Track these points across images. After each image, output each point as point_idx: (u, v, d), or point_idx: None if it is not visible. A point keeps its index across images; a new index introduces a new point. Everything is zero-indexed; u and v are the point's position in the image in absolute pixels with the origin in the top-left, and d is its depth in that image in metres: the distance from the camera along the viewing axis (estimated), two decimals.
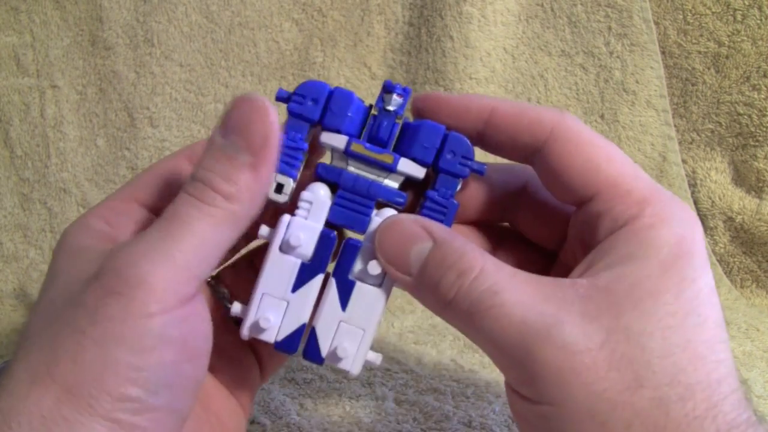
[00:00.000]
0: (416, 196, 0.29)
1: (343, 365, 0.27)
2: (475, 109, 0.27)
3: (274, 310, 0.27)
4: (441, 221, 0.27)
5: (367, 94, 0.67)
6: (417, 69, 0.67)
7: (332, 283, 0.27)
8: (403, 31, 0.67)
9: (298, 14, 0.66)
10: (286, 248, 0.27)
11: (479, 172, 0.28)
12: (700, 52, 0.65)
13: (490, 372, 0.44)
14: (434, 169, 0.28)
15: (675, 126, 0.66)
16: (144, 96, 0.65)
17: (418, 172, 0.28)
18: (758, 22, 0.63)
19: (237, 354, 0.30)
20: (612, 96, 0.66)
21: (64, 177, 0.65)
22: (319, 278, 0.27)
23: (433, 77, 0.66)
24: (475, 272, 0.24)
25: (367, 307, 0.27)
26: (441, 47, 0.65)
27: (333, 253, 0.28)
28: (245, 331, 0.27)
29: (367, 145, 0.27)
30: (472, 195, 0.30)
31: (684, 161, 0.67)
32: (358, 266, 0.27)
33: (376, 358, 0.28)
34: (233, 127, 0.24)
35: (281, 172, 0.27)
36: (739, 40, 0.64)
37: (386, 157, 0.27)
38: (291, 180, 0.27)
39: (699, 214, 0.65)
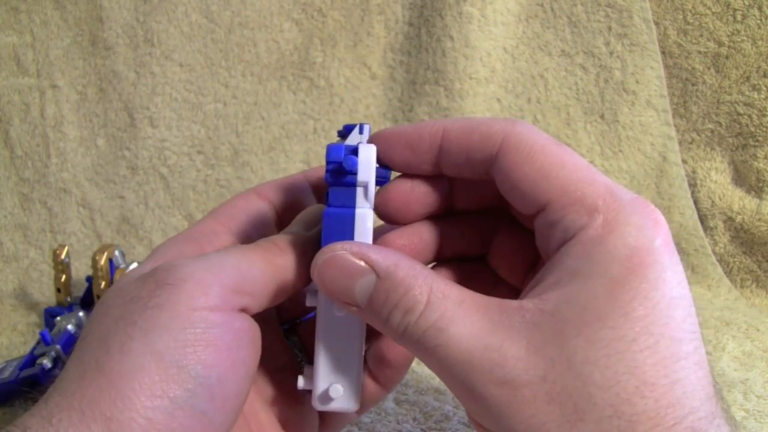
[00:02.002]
0: None
1: (337, 405, 0.26)
2: (427, 135, 0.26)
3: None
4: (345, 231, 0.25)
5: (368, 94, 0.67)
6: (417, 69, 0.67)
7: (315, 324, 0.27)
8: (403, 31, 0.67)
9: (298, 14, 0.66)
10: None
11: (350, 172, 0.25)
12: (700, 52, 0.65)
13: None
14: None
15: (675, 126, 0.66)
16: (144, 96, 0.65)
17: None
18: (758, 22, 0.63)
19: (301, 398, 0.30)
20: (612, 96, 0.66)
21: (64, 177, 0.65)
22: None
23: (433, 77, 0.66)
24: (421, 308, 0.23)
25: (349, 337, 0.26)
26: (441, 47, 0.65)
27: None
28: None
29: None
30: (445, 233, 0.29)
31: (684, 161, 0.67)
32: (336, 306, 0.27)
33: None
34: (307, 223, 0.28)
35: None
36: (739, 40, 0.64)
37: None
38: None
39: (699, 214, 0.65)
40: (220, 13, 0.66)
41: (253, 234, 0.29)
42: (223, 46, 0.66)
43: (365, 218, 0.25)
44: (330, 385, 0.26)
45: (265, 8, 0.66)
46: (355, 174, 0.25)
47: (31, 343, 0.49)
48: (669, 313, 0.22)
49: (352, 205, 0.25)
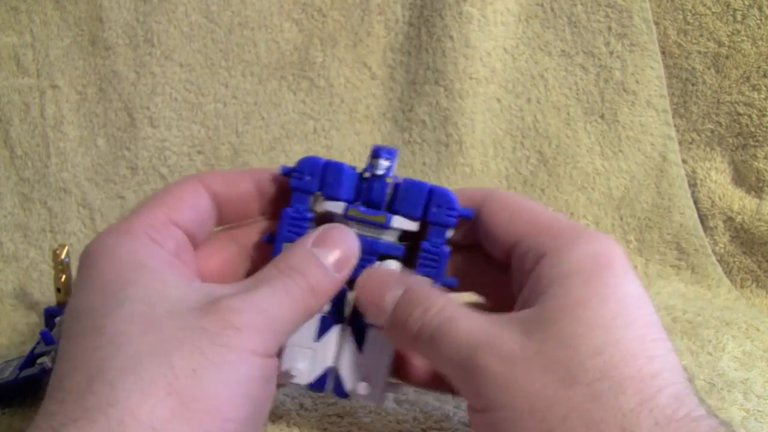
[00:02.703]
0: (416, 245, 0.32)
1: (366, 400, 0.32)
2: None
3: (302, 358, 0.31)
4: (434, 267, 0.31)
5: (368, 94, 0.67)
6: (417, 69, 0.67)
7: (349, 331, 0.32)
8: (403, 31, 0.67)
9: (298, 14, 0.66)
10: None
11: (466, 217, 0.31)
12: (700, 52, 0.65)
13: None
14: (424, 221, 0.31)
15: (675, 126, 0.66)
16: (144, 96, 0.65)
17: (411, 226, 0.31)
18: (758, 22, 0.63)
19: None
20: (612, 96, 0.66)
21: (64, 177, 0.65)
22: (337, 327, 0.32)
23: (433, 77, 0.66)
24: (437, 308, 0.28)
25: (380, 348, 0.31)
26: (441, 47, 0.65)
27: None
28: (284, 380, 0.31)
29: (362, 208, 0.31)
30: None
31: (684, 161, 0.67)
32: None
33: (393, 390, 0.32)
34: (327, 245, 0.30)
35: (288, 240, 0.31)
36: (739, 40, 0.64)
37: (379, 218, 0.31)
38: None
39: (699, 214, 0.65)
40: (220, 13, 0.66)
41: (194, 231, 0.31)
42: (223, 46, 0.66)
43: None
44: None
45: (265, 8, 0.66)
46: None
47: (31, 343, 0.49)
48: (638, 303, 0.26)
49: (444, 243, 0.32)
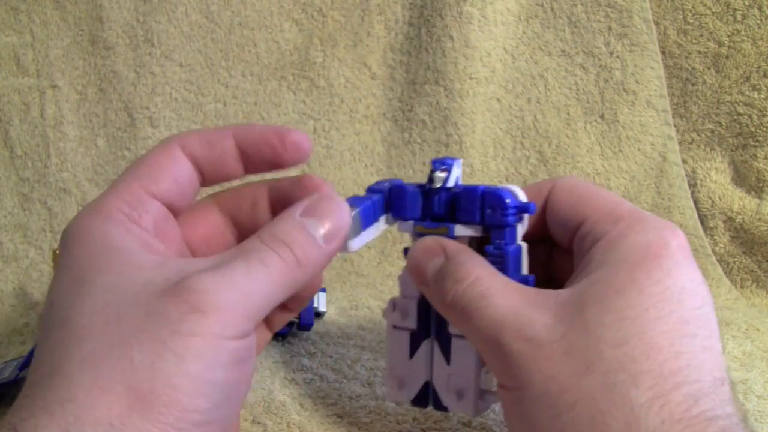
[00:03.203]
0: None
1: (459, 408, 0.32)
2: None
3: (402, 377, 0.33)
4: (504, 270, 0.30)
5: (368, 94, 0.67)
6: (417, 69, 0.67)
7: (435, 344, 0.32)
8: (403, 31, 0.67)
9: (298, 14, 0.66)
10: (397, 325, 0.33)
11: (527, 210, 0.30)
12: (700, 52, 0.65)
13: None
14: (485, 224, 0.31)
15: (675, 126, 0.66)
16: (144, 96, 0.65)
17: (475, 231, 0.31)
18: (758, 22, 0.63)
19: None
20: (612, 96, 0.66)
21: (64, 177, 0.65)
22: (426, 342, 0.33)
23: (433, 77, 0.66)
24: (470, 280, 0.28)
25: (466, 356, 0.31)
26: (441, 47, 0.65)
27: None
28: (391, 399, 0.34)
29: (426, 223, 0.32)
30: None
31: (684, 161, 0.67)
32: (451, 326, 0.32)
33: (489, 400, 0.32)
34: (317, 215, 0.28)
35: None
36: (739, 40, 0.64)
37: (442, 230, 0.31)
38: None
39: (699, 215, 0.65)
40: (220, 13, 0.66)
41: (175, 200, 0.30)
42: (223, 46, 0.66)
43: (525, 249, 0.31)
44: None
45: (265, 8, 0.66)
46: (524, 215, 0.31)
47: (31, 343, 0.49)
48: (680, 297, 0.25)
49: (514, 241, 0.31)
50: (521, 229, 0.31)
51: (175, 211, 0.30)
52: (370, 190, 0.33)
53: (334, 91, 0.67)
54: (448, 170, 0.31)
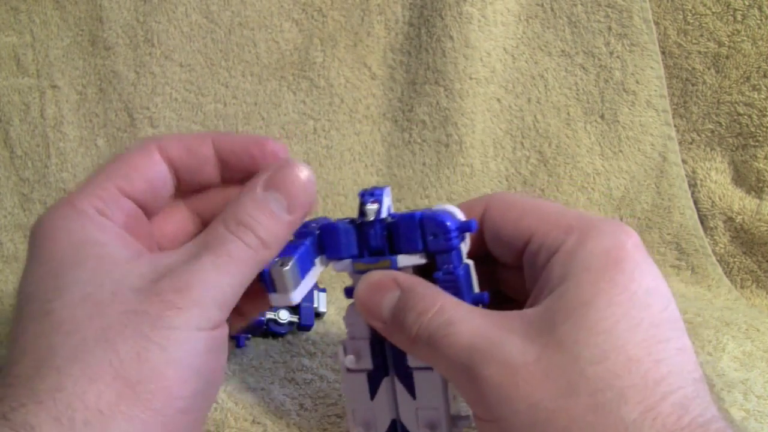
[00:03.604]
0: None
1: None
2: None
3: (367, 419, 0.32)
4: (457, 293, 0.29)
5: (368, 94, 0.67)
6: (417, 69, 0.67)
7: (396, 381, 0.31)
8: (403, 31, 0.67)
9: (298, 14, 0.66)
10: (350, 370, 0.32)
11: (469, 229, 0.29)
12: (700, 52, 0.65)
13: None
14: (428, 251, 0.30)
15: (675, 126, 0.66)
16: (144, 96, 0.65)
17: (418, 260, 0.30)
18: (758, 22, 0.63)
19: None
20: (612, 96, 0.66)
21: (64, 177, 0.65)
22: (386, 380, 0.32)
23: (433, 77, 0.66)
24: (434, 310, 0.27)
25: (431, 387, 0.31)
26: (441, 47, 0.65)
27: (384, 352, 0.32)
28: None
29: (365, 259, 0.30)
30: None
31: (684, 161, 0.67)
32: (410, 358, 0.31)
33: (462, 425, 0.31)
34: (278, 187, 0.28)
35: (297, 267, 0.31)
36: (739, 40, 0.64)
37: (384, 263, 0.30)
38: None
39: (699, 215, 0.65)
40: (220, 13, 0.66)
41: (147, 201, 0.30)
42: (223, 46, 0.66)
43: (473, 267, 0.30)
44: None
45: (265, 8, 0.66)
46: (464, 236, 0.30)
47: None
48: (647, 300, 0.25)
49: (461, 262, 0.30)
50: (465, 248, 0.30)
51: (147, 212, 0.30)
52: (298, 234, 0.30)
53: (334, 91, 0.67)
54: (379, 201, 0.30)
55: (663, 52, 0.66)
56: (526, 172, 0.67)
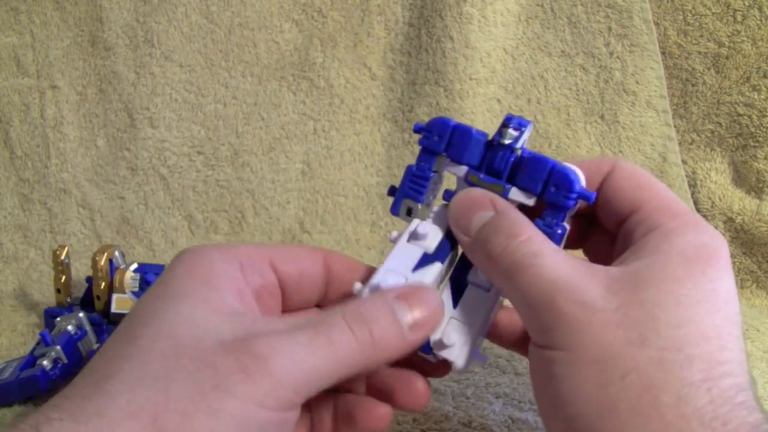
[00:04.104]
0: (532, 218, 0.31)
1: (447, 354, 0.29)
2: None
3: (395, 280, 0.30)
4: None
5: (368, 94, 0.67)
6: (417, 69, 0.67)
7: (447, 283, 0.31)
8: (403, 31, 0.67)
9: (298, 15, 0.66)
10: (413, 238, 0.31)
11: (587, 199, 0.30)
12: (700, 53, 0.65)
13: (490, 372, 0.44)
14: (541, 199, 0.30)
15: (675, 126, 0.66)
16: (144, 96, 0.65)
17: (528, 200, 0.30)
18: (758, 22, 0.63)
19: None
20: (612, 96, 0.66)
21: (64, 177, 0.65)
22: (437, 266, 0.31)
23: (433, 78, 0.66)
24: (522, 238, 0.28)
25: (476, 307, 0.30)
26: (441, 48, 0.65)
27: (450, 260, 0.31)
28: (359, 287, 0.30)
29: (482, 176, 0.31)
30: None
31: (684, 162, 0.67)
32: (472, 272, 0.31)
33: (482, 357, 0.30)
34: (410, 302, 0.28)
35: (409, 197, 0.32)
36: (739, 40, 0.64)
37: (497, 188, 0.31)
38: (418, 204, 0.32)
39: (699, 215, 0.65)
40: (220, 14, 0.66)
41: (291, 285, 0.30)
42: (223, 47, 0.66)
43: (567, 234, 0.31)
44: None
45: (265, 9, 0.66)
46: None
47: (31, 344, 0.49)
48: (726, 300, 0.26)
49: (563, 222, 0.30)
50: (571, 213, 0.31)
51: (287, 298, 0.31)
52: (425, 130, 0.32)
53: (334, 91, 0.67)
54: (521, 131, 0.30)
55: (663, 53, 0.66)
56: None
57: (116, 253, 0.51)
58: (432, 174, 0.32)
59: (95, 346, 0.46)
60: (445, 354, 0.29)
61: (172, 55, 0.65)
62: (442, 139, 0.32)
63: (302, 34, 0.67)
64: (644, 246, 0.27)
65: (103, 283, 0.49)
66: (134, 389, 0.23)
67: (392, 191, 0.33)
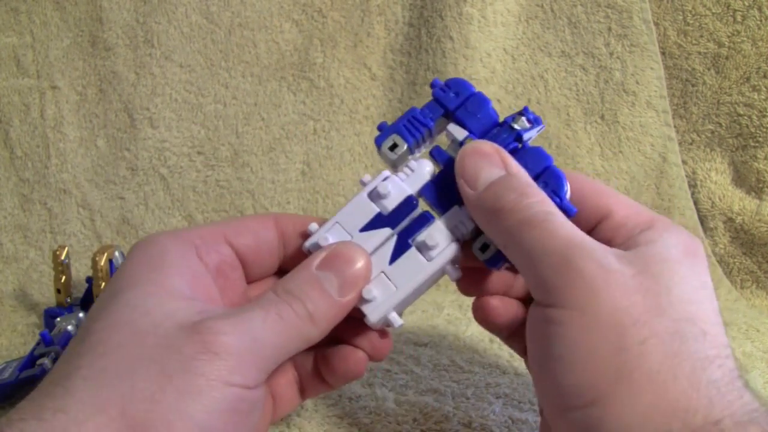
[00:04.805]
0: None
1: (363, 308, 0.29)
2: None
3: (337, 237, 0.30)
4: None
5: (368, 94, 0.67)
6: (417, 69, 0.67)
7: (392, 238, 0.30)
8: (403, 31, 0.67)
9: (298, 15, 0.67)
10: (373, 196, 0.31)
11: (567, 211, 0.29)
12: (700, 53, 0.65)
13: (489, 372, 0.44)
14: None
15: (675, 127, 0.66)
16: (144, 97, 0.65)
17: None
18: (758, 22, 0.63)
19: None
20: (612, 97, 0.66)
21: (64, 178, 0.65)
22: (386, 231, 0.30)
23: (433, 78, 0.66)
24: (536, 198, 0.27)
25: (411, 271, 0.30)
26: (441, 48, 0.65)
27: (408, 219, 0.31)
28: (307, 244, 0.30)
29: None
30: None
31: (684, 162, 0.67)
32: (420, 236, 0.30)
33: (396, 320, 0.30)
34: (332, 268, 0.28)
35: (400, 134, 0.31)
36: (739, 40, 0.64)
37: None
38: (405, 145, 0.31)
39: (699, 215, 0.65)
40: (220, 14, 0.66)
41: (249, 256, 0.31)
42: (223, 47, 0.66)
43: None
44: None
45: (265, 9, 0.66)
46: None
47: (31, 344, 0.49)
48: (713, 294, 0.27)
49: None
50: None
51: (247, 268, 0.31)
52: (446, 85, 0.31)
53: (334, 91, 0.67)
54: (533, 125, 0.30)
55: (663, 53, 0.66)
56: None
57: (116, 254, 0.51)
58: (431, 123, 0.31)
59: None
60: (362, 307, 0.29)
61: (172, 55, 0.65)
62: (458, 97, 0.31)
63: (302, 34, 0.67)
64: (636, 242, 0.27)
65: (103, 284, 0.49)
66: (97, 383, 0.23)
67: (383, 126, 0.32)
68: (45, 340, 0.43)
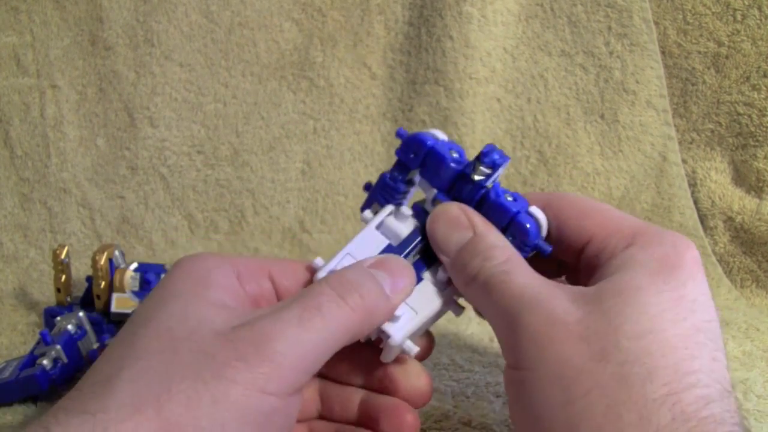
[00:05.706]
0: None
1: (387, 327, 0.29)
2: None
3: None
4: None
5: (368, 93, 0.67)
6: (417, 69, 0.67)
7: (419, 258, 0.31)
8: (403, 31, 0.67)
9: (298, 14, 0.66)
10: (382, 227, 0.32)
11: (543, 252, 0.30)
12: (700, 52, 0.65)
13: (489, 372, 0.44)
14: None
15: (675, 126, 0.66)
16: (144, 96, 0.65)
17: None
18: (758, 22, 0.63)
19: None
20: (612, 96, 0.66)
21: (64, 177, 0.65)
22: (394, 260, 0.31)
23: (433, 77, 0.66)
24: (499, 260, 0.28)
25: (426, 299, 0.31)
26: (441, 47, 0.65)
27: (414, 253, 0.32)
28: (320, 273, 0.30)
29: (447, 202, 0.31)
30: None
31: (684, 161, 0.67)
32: (431, 272, 0.31)
33: (412, 348, 0.30)
34: (383, 268, 0.29)
35: (378, 203, 0.33)
36: (739, 40, 0.64)
37: None
38: (389, 207, 0.33)
39: (699, 214, 0.65)
40: (220, 13, 0.66)
41: (287, 290, 0.31)
42: (223, 46, 0.66)
43: None
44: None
45: (265, 8, 0.66)
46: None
47: (31, 343, 0.49)
48: (693, 307, 0.26)
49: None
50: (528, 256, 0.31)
51: None
52: (404, 144, 0.32)
53: (334, 91, 0.67)
54: (494, 169, 0.31)
55: (663, 52, 0.66)
56: (526, 172, 0.67)
57: (116, 253, 0.51)
58: (402, 186, 0.32)
59: (95, 345, 0.46)
60: (386, 327, 0.29)
61: (172, 54, 0.65)
62: (417, 158, 0.32)
63: (302, 33, 0.67)
64: (606, 269, 0.27)
65: (103, 283, 0.49)
66: (136, 386, 0.23)
67: (368, 187, 0.33)
68: (45, 340, 0.43)
